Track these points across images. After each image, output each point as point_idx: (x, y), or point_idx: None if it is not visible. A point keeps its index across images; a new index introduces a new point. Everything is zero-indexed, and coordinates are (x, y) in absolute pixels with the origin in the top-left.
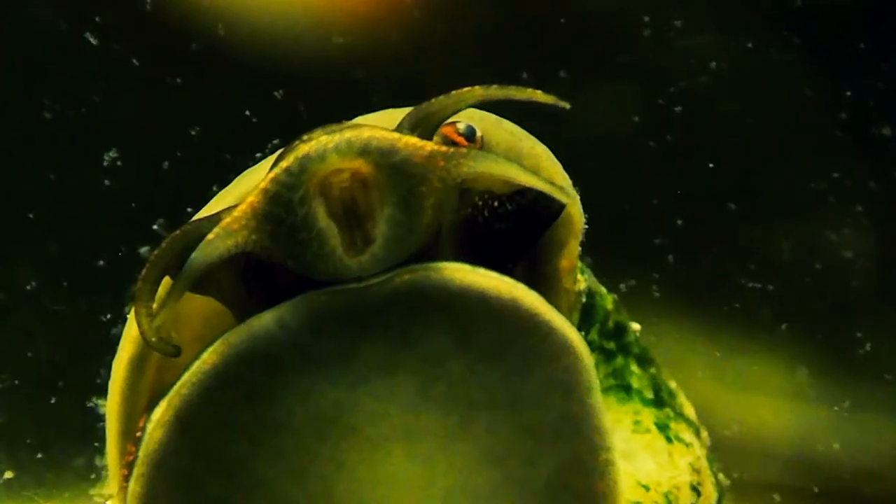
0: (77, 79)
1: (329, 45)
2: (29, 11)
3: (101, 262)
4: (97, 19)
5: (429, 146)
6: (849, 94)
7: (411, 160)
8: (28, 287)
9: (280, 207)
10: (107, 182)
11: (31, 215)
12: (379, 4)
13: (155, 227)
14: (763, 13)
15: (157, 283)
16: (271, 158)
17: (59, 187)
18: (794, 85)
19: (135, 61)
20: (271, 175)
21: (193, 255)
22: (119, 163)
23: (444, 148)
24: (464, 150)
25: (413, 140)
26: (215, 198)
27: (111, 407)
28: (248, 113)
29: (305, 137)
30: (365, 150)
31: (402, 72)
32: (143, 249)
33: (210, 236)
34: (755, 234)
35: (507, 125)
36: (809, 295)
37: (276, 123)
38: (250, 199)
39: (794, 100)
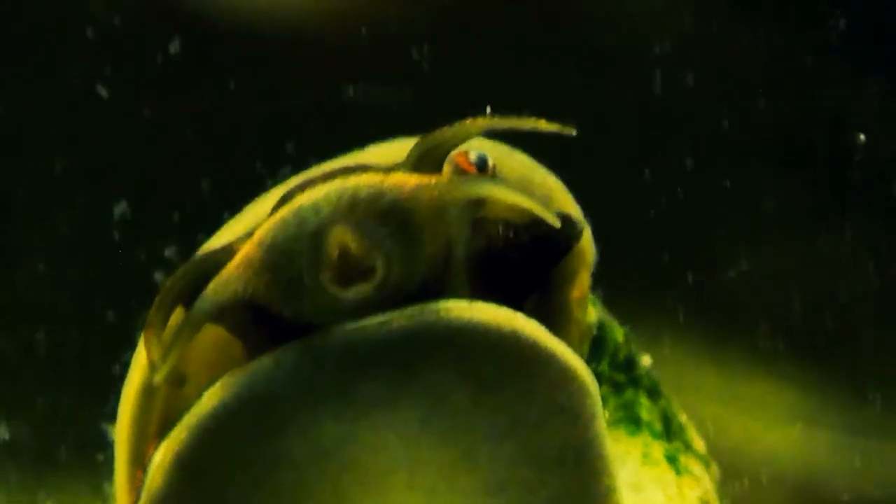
0: (86, 132)
1: (340, 98)
2: (40, 65)
3: (111, 314)
4: (107, 72)
5: (413, 180)
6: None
7: (399, 198)
8: (36, 335)
9: (276, 257)
10: (116, 236)
11: (41, 266)
12: (388, 59)
13: (166, 252)
14: (775, 59)
15: (171, 312)
16: (278, 189)
17: (68, 240)
18: (805, 133)
19: (145, 114)
20: (267, 225)
21: (195, 305)
22: (128, 216)
23: (429, 179)
24: (451, 178)
25: (397, 177)
26: (224, 226)
27: (120, 433)
28: (258, 165)
29: (300, 183)
30: (354, 201)
31: (411, 128)
32: (157, 275)
33: (210, 286)
34: (766, 280)
35: (519, 156)
36: (821, 334)
37: (287, 177)
38: (246, 248)
39: (806, 145)
